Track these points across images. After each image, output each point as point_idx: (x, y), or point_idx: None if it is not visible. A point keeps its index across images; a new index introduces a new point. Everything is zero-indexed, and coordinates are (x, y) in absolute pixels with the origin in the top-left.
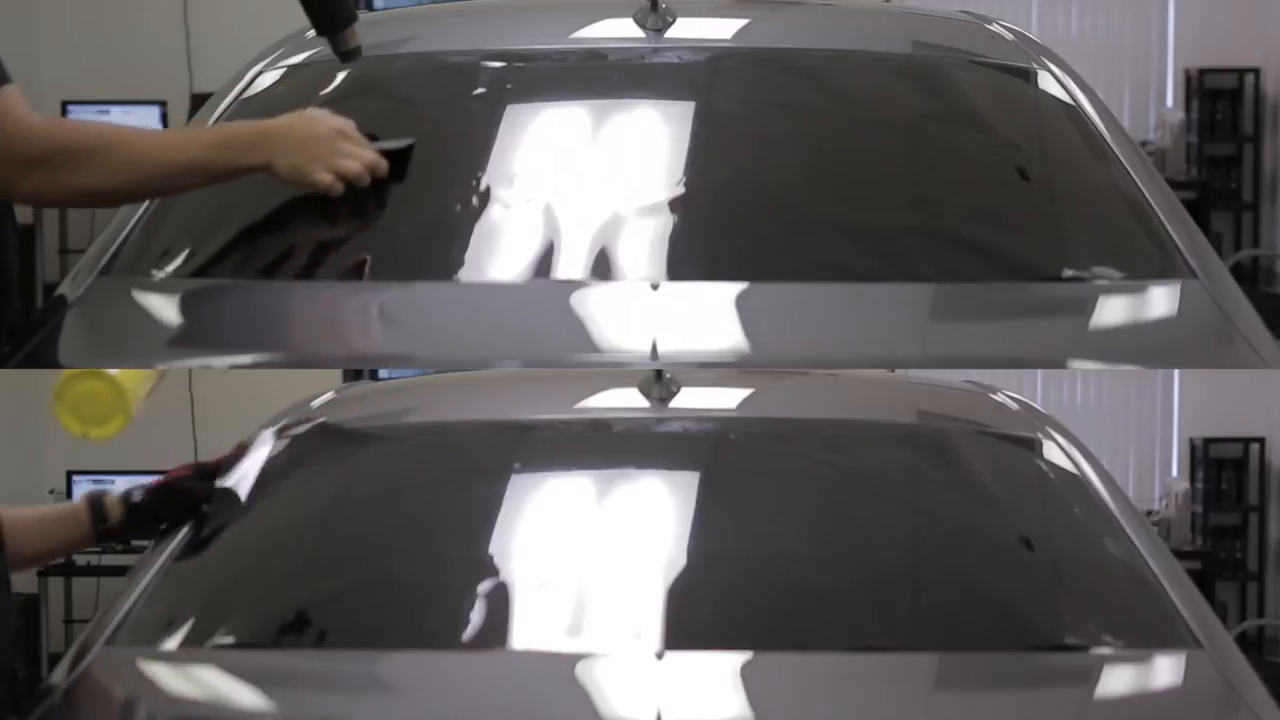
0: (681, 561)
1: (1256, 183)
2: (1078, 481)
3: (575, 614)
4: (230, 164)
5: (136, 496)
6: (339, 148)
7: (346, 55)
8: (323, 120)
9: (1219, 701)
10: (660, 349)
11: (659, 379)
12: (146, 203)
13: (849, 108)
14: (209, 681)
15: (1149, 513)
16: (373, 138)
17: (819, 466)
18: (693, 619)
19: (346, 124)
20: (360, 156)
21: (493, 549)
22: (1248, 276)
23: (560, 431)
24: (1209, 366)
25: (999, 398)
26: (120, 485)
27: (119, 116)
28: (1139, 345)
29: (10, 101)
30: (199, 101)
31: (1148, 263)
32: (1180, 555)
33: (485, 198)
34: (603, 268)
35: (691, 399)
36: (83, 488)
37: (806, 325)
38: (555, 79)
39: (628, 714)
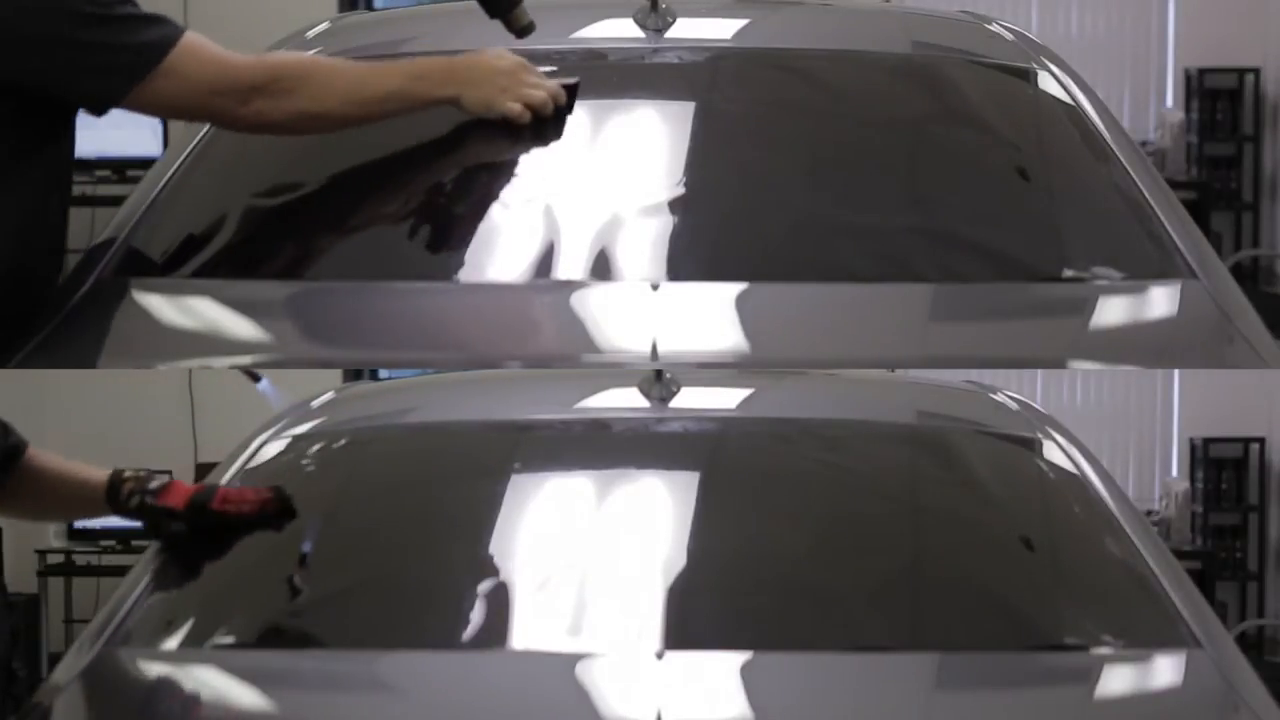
0: (681, 561)
1: (1256, 183)
2: (1078, 481)
3: (575, 614)
4: (425, 95)
5: (150, 499)
6: (524, 79)
7: (521, 32)
8: (505, 55)
9: (1219, 701)
10: (660, 349)
11: (659, 379)
12: (147, 202)
13: (849, 108)
14: (209, 681)
15: (1149, 513)
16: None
17: (819, 466)
18: (693, 619)
19: (523, 60)
20: (544, 86)
21: (493, 549)
22: (1248, 276)
23: (560, 432)
24: (1209, 366)
25: (999, 398)
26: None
27: (119, 116)
28: (1139, 345)
29: (201, 40)
30: None
31: (1148, 263)
32: (1180, 555)
33: (486, 197)
34: (603, 268)
35: (691, 399)
36: None
37: (806, 325)
38: (555, 79)
39: (628, 714)
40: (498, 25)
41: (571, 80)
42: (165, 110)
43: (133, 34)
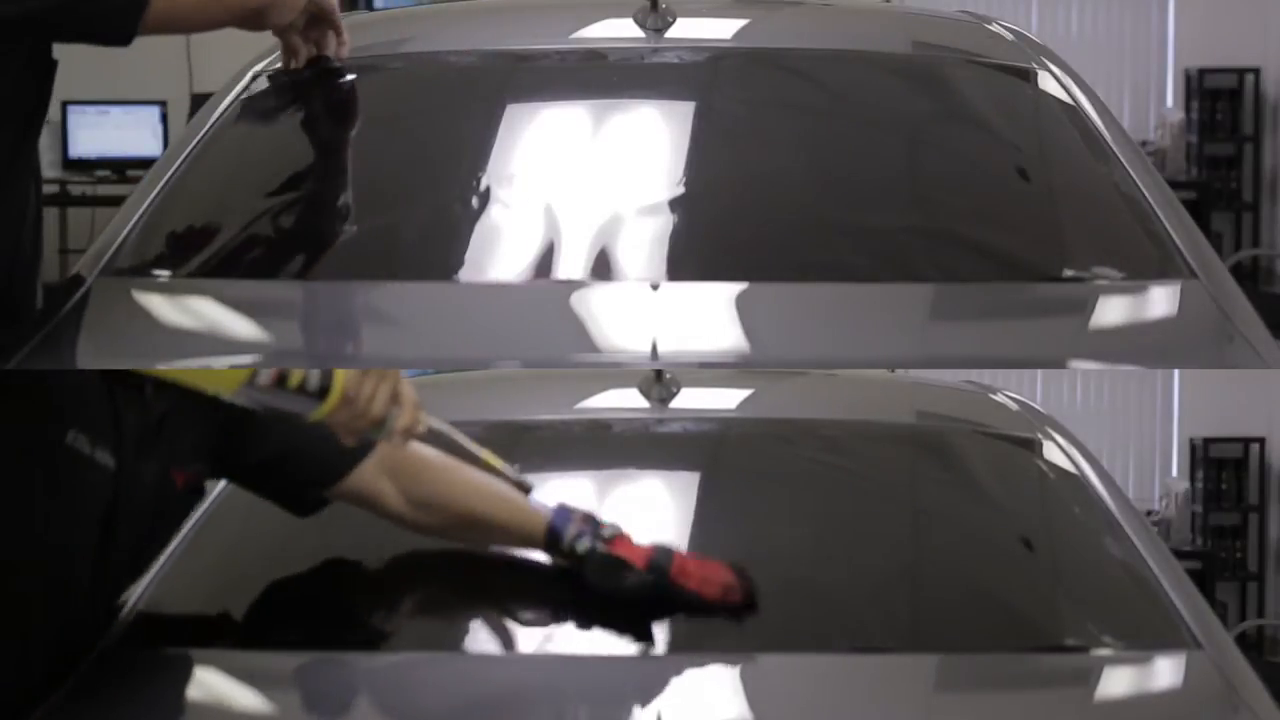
0: None
1: (1256, 183)
2: (1078, 481)
3: (578, 615)
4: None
5: (585, 546)
6: None
7: None
8: None
9: (1219, 701)
10: (660, 349)
11: (659, 379)
12: (147, 202)
13: (849, 108)
14: (209, 681)
15: (1149, 513)
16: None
17: (819, 467)
18: (693, 619)
19: None
20: None
21: (494, 551)
22: (1248, 276)
23: (560, 432)
24: (1209, 366)
25: (999, 398)
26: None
27: (119, 117)
28: (1139, 345)
29: None
30: (199, 101)
31: (1148, 263)
32: (1180, 555)
33: (485, 198)
34: (603, 268)
35: (692, 399)
36: None
37: (806, 325)
38: (555, 79)
39: (628, 715)
40: (494, 23)
41: None
42: (179, 24)
43: None
